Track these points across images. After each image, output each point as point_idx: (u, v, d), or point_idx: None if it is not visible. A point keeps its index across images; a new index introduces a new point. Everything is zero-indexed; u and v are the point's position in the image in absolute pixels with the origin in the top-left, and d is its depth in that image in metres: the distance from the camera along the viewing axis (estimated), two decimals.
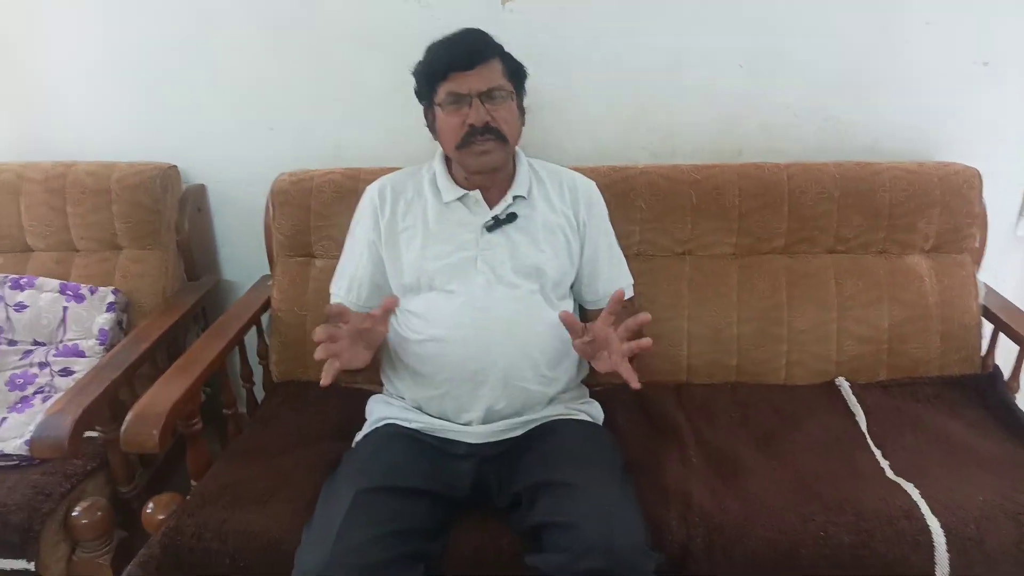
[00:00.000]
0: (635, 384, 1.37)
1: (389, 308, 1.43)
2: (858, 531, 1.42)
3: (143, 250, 2.09)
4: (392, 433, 1.58)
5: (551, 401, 1.61)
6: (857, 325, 1.94)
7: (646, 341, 1.39)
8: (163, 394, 1.55)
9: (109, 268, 2.07)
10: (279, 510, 1.50)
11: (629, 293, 1.72)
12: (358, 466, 1.50)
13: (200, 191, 2.24)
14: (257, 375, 2.06)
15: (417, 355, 1.57)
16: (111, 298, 2.00)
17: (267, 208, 2.04)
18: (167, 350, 2.02)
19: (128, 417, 1.47)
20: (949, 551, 1.40)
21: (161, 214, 2.08)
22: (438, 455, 1.54)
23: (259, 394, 2.05)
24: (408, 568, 1.35)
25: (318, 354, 1.34)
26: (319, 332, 1.33)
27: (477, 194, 1.61)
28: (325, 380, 1.34)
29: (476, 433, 1.55)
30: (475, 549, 1.45)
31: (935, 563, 1.40)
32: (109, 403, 1.66)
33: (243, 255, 2.31)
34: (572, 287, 1.70)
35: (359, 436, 1.64)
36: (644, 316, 1.37)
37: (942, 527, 1.41)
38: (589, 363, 1.50)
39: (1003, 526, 1.42)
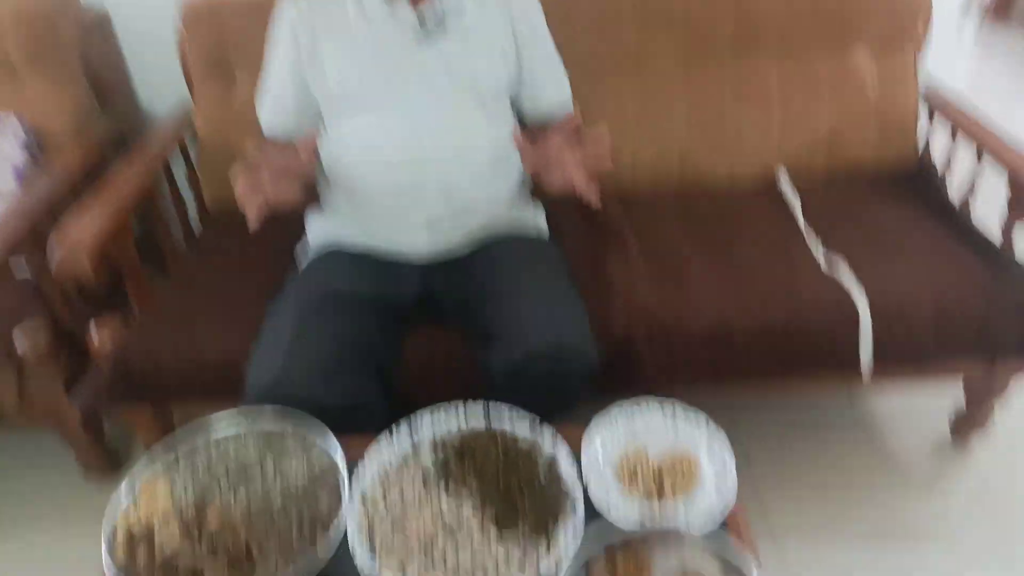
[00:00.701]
0: (595, 201, 1.34)
1: (310, 142, 1.36)
2: (790, 314, 1.49)
3: (50, 83, 1.94)
4: (336, 254, 1.56)
5: (495, 214, 1.59)
6: (798, 124, 1.94)
7: (605, 162, 1.33)
8: (90, 219, 1.49)
9: (14, 99, 1.92)
10: (228, 330, 1.50)
11: (569, 108, 1.66)
12: (303, 284, 1.50)
13: (104, 19, 2.07)
14: (192, 208, 2.00)
15: (352, 176, 1.51)
16: (16, 124, 1.87)
17: (178, 33, 1.89)
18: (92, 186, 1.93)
19: (56, 244, 1.42)
20: (874, 328, 1.48)
21: (62, 42, 1.91)
22: (384, 268, 1.53)
23: (197, 228, 1.99)
24: (362, 377, 1.38)
25: (238, 190, 1.28)
26: (236, 170, 1.27)
27: (403, 1, 1.49)
28: (252, 221, 1.27)
29: (421, 252, 1.54)
30: (428, 355, 1.49)
31: (859, 339, 1.48)
32: (35, 237, 1.59)
33: (161, 84, 2.17)
34: (513, 104, 1.63)
35: (303, 259, 1.62)
36: (602, 133, 1.33)
37: (869, 305, 1.49)
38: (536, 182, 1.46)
39: (924, 305, 1.51)
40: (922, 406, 1.94)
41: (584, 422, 1.21)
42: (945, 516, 1.69)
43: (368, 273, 1.51)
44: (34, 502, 1.80)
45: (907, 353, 1.54)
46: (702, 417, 1.20)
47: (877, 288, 1.52)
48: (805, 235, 1.73)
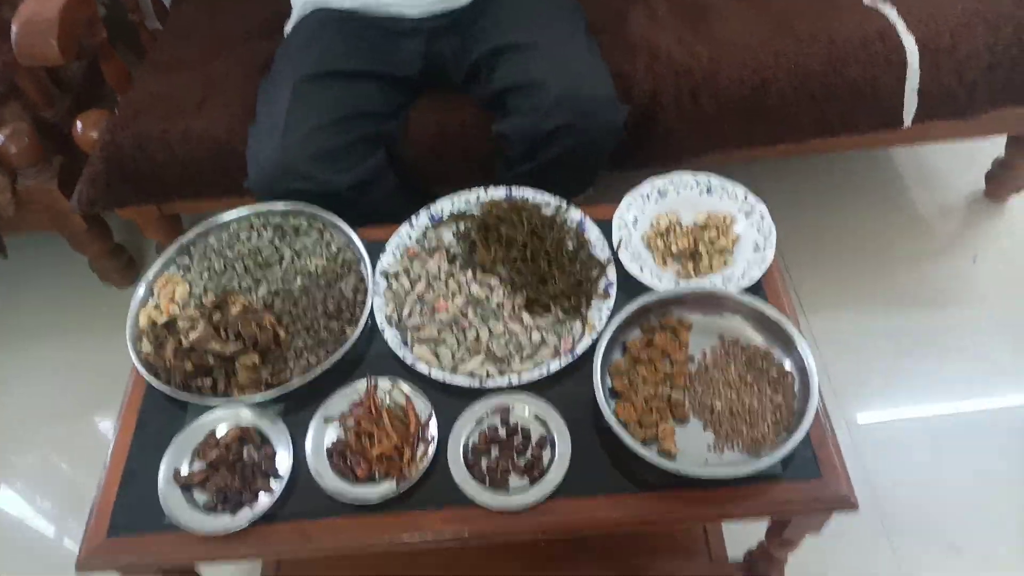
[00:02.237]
0: None
1: None
2: (830, 59, 1.35)
3: None
4: (325, 18, 1.39)
5: None
6: None
7: None
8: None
9: None
10: (219, 114, 1.39)
11: None
12: (293, 57, 1.35)
13: None
14: None
15: None
16: None
17: None
18: None
19: (15, 27, 1.27)
20: (921, 65, 1.35)
21: None
22: (380, 34, 1.38)
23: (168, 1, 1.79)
24: (367, 151, 1.29)
25: None
26: None
27: None
28: None
29: (417, 4, 1.37)
30: (436, 125, 1.38)
31: (905, 79, 1.36)
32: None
33: None
34: None
35: (288, 27, 1.46)
36: None
37: (916, 42, 1.34)
38: None
39: (978, 31, 1.36)
40: (956, 167, 1.84)
41: (612, 200, 1.14)
42: (974, 279, 1.65)
43: (363, 39, 1.36)
44: (55, 312, 1.80)
45: (953, 97, 1.41)
46: (740, 188, 1.12)
47: (925, 22, 1.36)
48: None
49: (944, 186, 1.83)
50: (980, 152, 1.78)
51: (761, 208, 1.09)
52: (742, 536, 1.19)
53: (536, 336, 1.00)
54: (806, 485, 0.87)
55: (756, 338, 0.98)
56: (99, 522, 0.91)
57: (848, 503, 0.86)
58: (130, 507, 0.92)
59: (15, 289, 1.85)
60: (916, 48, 1.34)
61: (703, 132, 1.40)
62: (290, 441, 0.94)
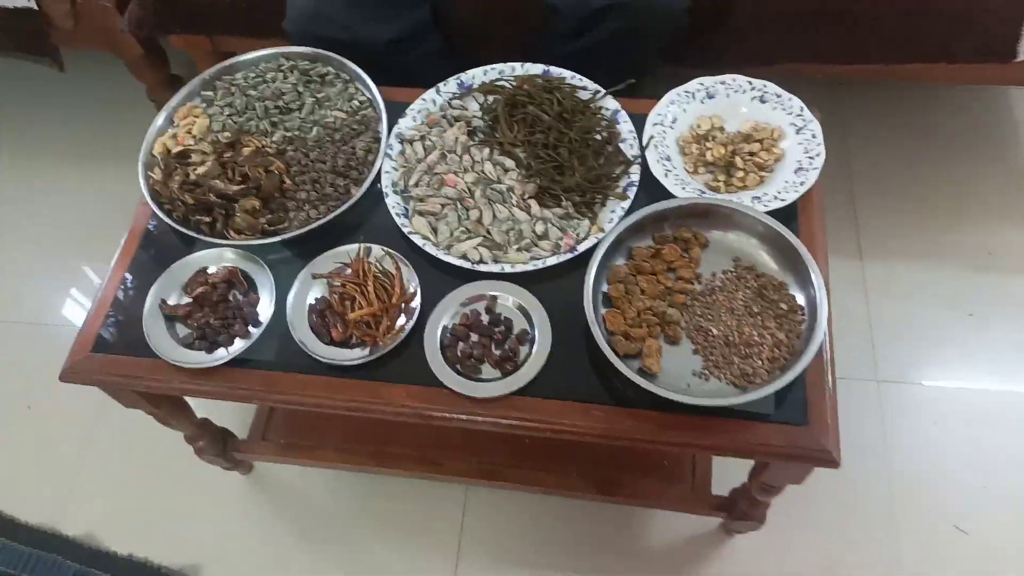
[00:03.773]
0: None
1: None
2: None
3: None
4: None
5: None
6: None
7: None
8: None
9: None
10: None
11: None
12: None
13: None
14: None
15: None
16: None
17: None
18: None
19: None
20: None
21: None
22: None
23: None
24: (410, 3, 1.21)
25: None
26: None
27: None
28: None
29: None
30: None
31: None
32: None
33: None
34: None
35: None
36: None
37: None
38: None
39: None
40: None
41: (657, 96, 1.04)
42: None
43: None
44: (107, 135, 1.84)
45: None
46: (796, 102, 1.00)
47: None
48: None
49: None
50: None
51: (815, 127, 0.97)
52: (732, 471, 1.14)
53: (540, 227, 0.94)
54: (789, 430, 0.81)
55: (773, 267, 0.90)
56: (85, 338, 0.93)
57: (829, 458, 0.80)
58: (116, 328, 0.94)
59: (73, 106, 1.89)
60: None
61: (777, 34, 1.25)
62: (274, 292, 0.93)
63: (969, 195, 1.55)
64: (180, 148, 1.04)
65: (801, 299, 0.87)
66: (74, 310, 1.62)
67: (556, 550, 1.27)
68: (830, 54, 1.26)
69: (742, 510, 1.11)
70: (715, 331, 0.86)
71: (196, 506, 1.36)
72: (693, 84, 1.02)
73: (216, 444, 1.23)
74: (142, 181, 1.02)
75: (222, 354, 0.90)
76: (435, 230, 0.96)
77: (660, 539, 1.26)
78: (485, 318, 0.91)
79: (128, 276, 0.98)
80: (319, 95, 1.09)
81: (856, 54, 1.26)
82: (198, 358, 0.90)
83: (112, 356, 0.92)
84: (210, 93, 1.11)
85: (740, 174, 0.96)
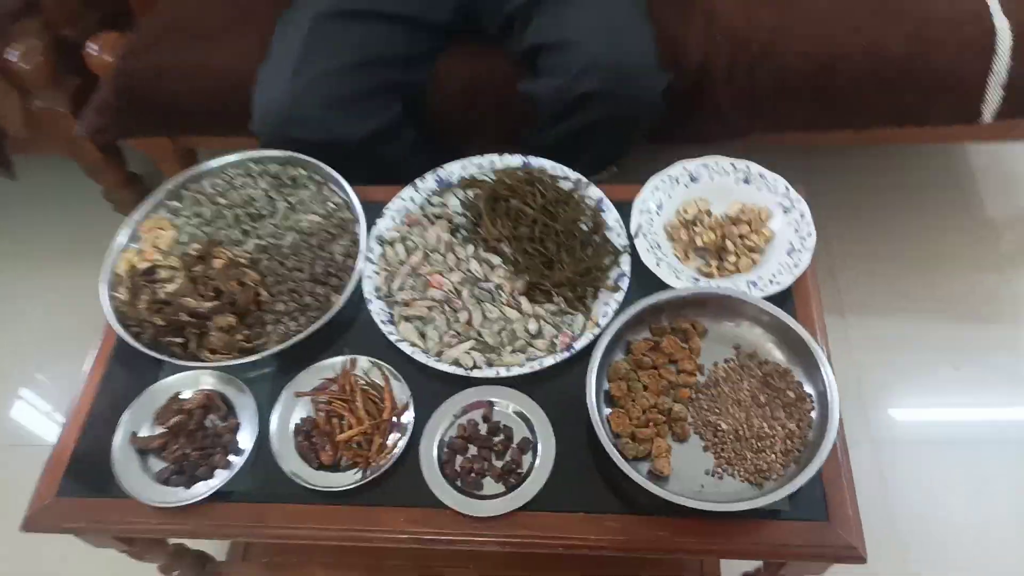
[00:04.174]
0: None
1: None
2: (917, 38, 1.19)
3: None
4: None
5: None
6: None
7: None
8: None
9: None
10: (240, 46, 1.30)
11: None
12: None
13: None
14: None
15: None
16: None
17: None
18: None
19: None
20: (1013, 55, 1.18)
21: None
22: None
23: None
24: (385, 101, 1.20)
25: None
26: None
27: None
28: None
29: None
30: (464, 79, 1.28)
31: (991, 69, 1.19)
32: None
33: None
34: None
35: None
36: None
37: (1011, 28, 1.17)
38: None
39: None
40: None
41: (640, 181, 1.02)
42: None
43: None
44: (67, 239, 1.76)
45: None
46: (780, 182, 0.99)
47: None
48: None
49: (1015, 193, 1.64)
50: None
51: (803, 207, 0.96)
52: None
53: (533, 326, 0.91)
54: (811, 528, 0.77)
55: (776, 354, 0.87)
56: (49, 480, 0.86)
57: (855, 555, 0.76)
58: (84, 467, 0.87)
59: (28, 212, 1.83)
60: (1010, 33, 1.18)
61: (756, 111, 1.26)
62: (256, 414, 0.87)
63: (940, 247, 1.56)
64: (147, 264, 0.99)
65: (807, 387, 0.85)
66: (45, 428, 1.52)
67: None
68: (809, 126, 1.27)
69: None
70: (724, 425, 0.83)
71: None
72: (676, 168, 1.01)
73: (193, 570, 1.15)
74: (106, 303, 0.96)
75: (202, 489, 0.83)
76: (423, 335, 0.92)
77: None
78: (483, 428, 0.86)
79: (95, 406, 0.91)
80: (292, 199, 1.05)
81: (835, 124, 1.27)
82: (176, 495, 0.83)
83: (81, 499, 0.85)
84: (176, 203, 1.07)
85: (732, 258, 0.94)
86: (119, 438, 0.86)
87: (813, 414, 0.83)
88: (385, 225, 1.01)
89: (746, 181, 1.00)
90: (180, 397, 0.90)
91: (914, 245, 1.56)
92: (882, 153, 1.70)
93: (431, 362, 0.88)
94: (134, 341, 0.92)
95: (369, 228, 1.00)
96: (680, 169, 1.01)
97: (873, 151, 1.70)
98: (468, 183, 1.04)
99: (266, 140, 1.16)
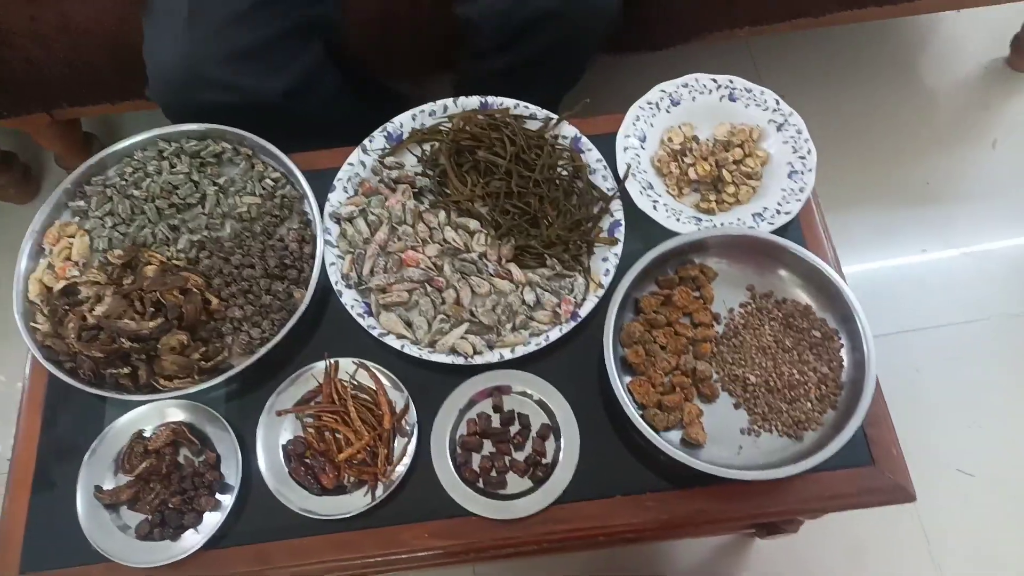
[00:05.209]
0: None
1: None
2: None
3: None
4: None
5: None
6: None
7: None
8: None
9: None
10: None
11: None
12: None
13: None
14: None
15: None
16: None
17: None
18: None
19: None
20: None
21: None
22: None
23: None
24: (299, 45, 1.03)
25: None
26: None
27: None
28: None
29: None
30: (383, 7, 1.11)
31: None
32: None
33: None
34: None
35: None
36: None
37: None
38: None
39: None
40: (975, 33, 1.59)
41: (611, 110, 0.91)
42: (993, 170, 1.46)
43: None
44: None
45: None
46: (770, 95, 0.90)
47: None
48: None
49: (959, 57, 1.59)
50: (1005, 20, 1.53)
51: (797, 121, 0.88)
52: None
53: (530, 296, 0.82)
54: (858, 475, 0.74)
55: (792, 290, 0.82)
56: (7, 558, 0.74)
57: (905, 495, 0.74)
58: (45, 535, 0.75)
59: None
60: None
61: (710, 4, 1.16)
62: (235, 442, 0.76)
63: (900, 127, 1.51)
64: (63, 283, 0.84)
65: (830, 320, 0.80)
66: None
67: None
68: (766, 17, 1.18)
69: (777, 526, 1.05)
70: (752, 378, 0.78)
71: None
72: (654, 93, 0.90)
73: None
74: (26, 337, 0.81)
75: (193, 539, 0.73)
76: (409, 324, 0.81)
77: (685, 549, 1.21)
78: (495, 419, 0.78)
79: (41, 462, 0.78)
80: (220, 180, 0.90)
81: (791, 11, 1.18)
82: (163, 551, 0.73)
83: (51, 572, 0.74)
84: (81, 203, 0.89)
85: (731, 188, 0.86)
86: (82, 496, 0.74)
87: (843, 352, 0.78)
88: (338, 199, 0.88)
89: (731, 98, 0.91)
90: (143, 436, 0.78)
91: (876, 129, 1.51)
92: (821, 35, 1.62)
93: (424, 354, 0.79)
94: (70, 379, 0.78)
95: (320, 205, 0.87)
96: (658, 93, 0.91)
97: (812, 35, 1.61)
98: (423, 136, 0.91)
99: (169, 109, 0.98)
